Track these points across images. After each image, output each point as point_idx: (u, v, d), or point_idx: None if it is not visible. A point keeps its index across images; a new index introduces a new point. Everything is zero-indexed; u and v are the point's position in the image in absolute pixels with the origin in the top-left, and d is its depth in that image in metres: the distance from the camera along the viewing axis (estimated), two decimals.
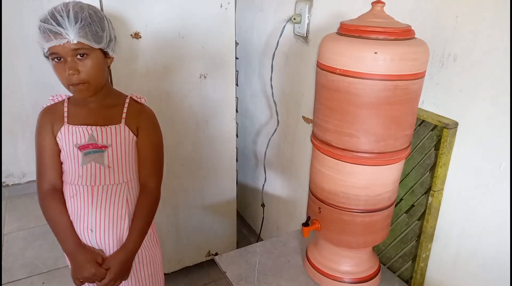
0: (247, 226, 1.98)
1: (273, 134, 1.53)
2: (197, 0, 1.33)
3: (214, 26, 1.40)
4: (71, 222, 0.94)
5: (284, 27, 1.30)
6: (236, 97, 1.56)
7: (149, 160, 0.99)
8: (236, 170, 1.68)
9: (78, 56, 0.84)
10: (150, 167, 0.99)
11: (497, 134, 0.75)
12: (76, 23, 0.81)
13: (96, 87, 0.90)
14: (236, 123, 1.61)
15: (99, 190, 0.94)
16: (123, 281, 0.97)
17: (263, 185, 1.67)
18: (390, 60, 0.70)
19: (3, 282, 1.72)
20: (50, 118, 0.94)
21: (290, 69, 1.39)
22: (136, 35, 1.28)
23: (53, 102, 0.97)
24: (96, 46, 0.85)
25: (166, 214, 1.58)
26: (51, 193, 0.94)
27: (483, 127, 0.78)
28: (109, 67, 0.95)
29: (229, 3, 1.39)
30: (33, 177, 0.93)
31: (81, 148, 0.92)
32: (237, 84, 1.61)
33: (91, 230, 0.94)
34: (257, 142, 1.73)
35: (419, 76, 0.74)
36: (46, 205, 0.94)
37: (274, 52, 1.38)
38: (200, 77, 1.45)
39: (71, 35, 0.81)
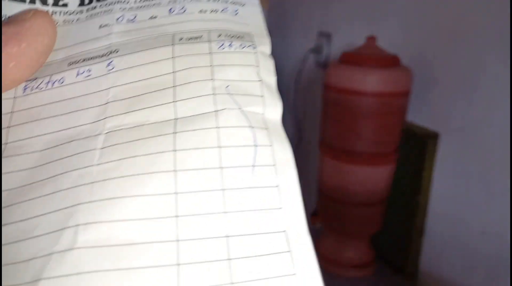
0: None
1: (295, 145, 1.75)
2: None
3: None
4: None
5: (307, 57, 1.54)
6: None
7: None
8: None
9: None
10: None
11: (466, 143, 0.93)
12: None
13: None
14: None
15: None
16: None
17: None
18: (376, 82, 0.91)
19: None
20: None
21: (312, 92, 1.61)
22: None
23: None
24: None
25: None
26: None
27: (456, 137, 0.95)
28: None
29: None
30: None
31: None
32: None
33: None
34: None
35: (400, 94, 0.94)
36: None
37: (298, 78, 1.62)
38: None
39: None
